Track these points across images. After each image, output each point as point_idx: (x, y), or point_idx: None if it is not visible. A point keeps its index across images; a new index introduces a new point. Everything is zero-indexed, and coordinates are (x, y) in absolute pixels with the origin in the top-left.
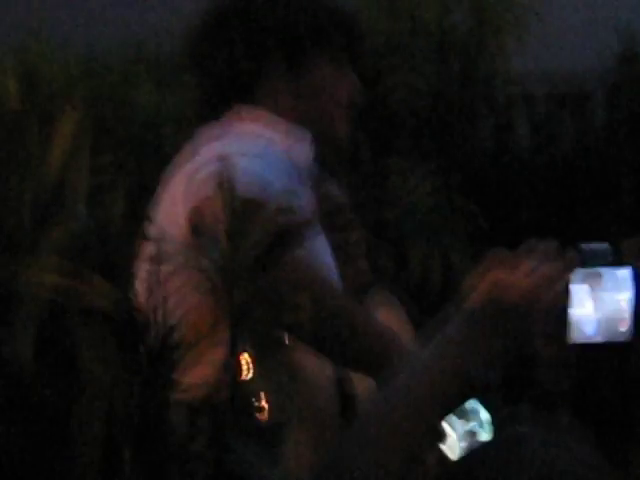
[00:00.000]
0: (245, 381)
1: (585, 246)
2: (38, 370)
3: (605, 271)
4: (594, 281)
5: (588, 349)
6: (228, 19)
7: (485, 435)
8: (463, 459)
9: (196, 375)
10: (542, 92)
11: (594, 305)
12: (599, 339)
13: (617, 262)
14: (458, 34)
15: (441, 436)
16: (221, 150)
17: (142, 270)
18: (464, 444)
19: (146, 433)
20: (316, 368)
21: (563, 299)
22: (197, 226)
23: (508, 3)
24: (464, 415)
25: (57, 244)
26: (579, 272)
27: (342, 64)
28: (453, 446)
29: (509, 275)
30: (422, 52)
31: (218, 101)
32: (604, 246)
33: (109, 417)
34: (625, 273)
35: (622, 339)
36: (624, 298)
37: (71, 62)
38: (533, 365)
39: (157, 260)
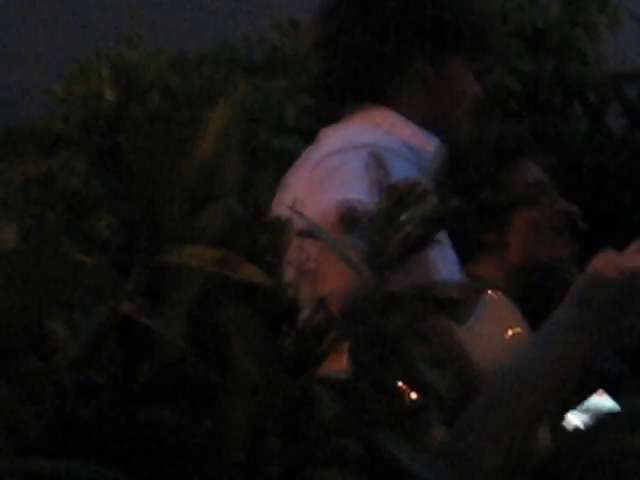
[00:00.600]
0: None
1: None
2: (190, 353)
3: None
4: None
5: None
6: (376, 13)
7: None
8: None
9: (335, 361)
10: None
11: None
12: None
13: None
14: (551, 34)
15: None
16: (355, 138)
17: (290, 257)
18: None
19: (294, 417)
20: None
21: None
22: (346, 219)
23: (602, 3)
24: (588, 412)
25: (208, 232)
26: None
27: (472, 63)
28: None
29: (617, 256)
30: (517, 53)
31: (350, 97)
32: None
33: (258, 404)
34: None
35: None
36: None
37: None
38: None
39: (310, 241)
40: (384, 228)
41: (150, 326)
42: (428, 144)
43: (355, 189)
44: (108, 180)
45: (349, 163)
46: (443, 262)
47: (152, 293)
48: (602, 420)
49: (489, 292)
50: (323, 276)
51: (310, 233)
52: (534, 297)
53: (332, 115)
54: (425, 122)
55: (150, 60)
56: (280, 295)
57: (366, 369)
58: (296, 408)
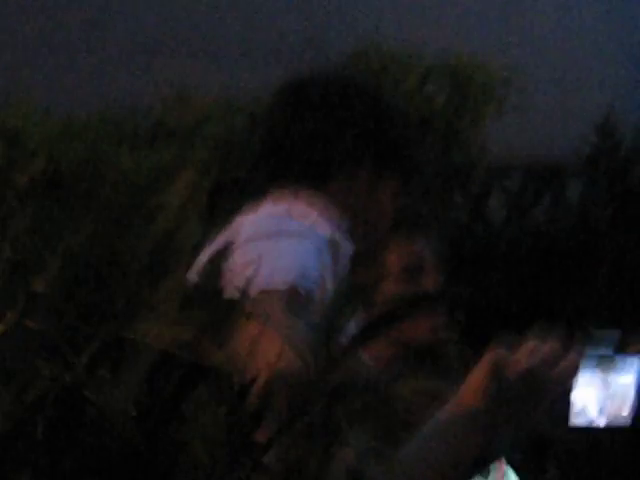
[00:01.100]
0: None
1: (595, 332)
2: (141, 424)
3: (617, 357)
4: (604, 366)
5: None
6: (340, 112)
7: None
8: None
9: None
10: (520, 167)
11: (600, 389)
12: (601, 423)
13: (622, 349)
14: (437, 106)
15: None
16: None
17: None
18: None
19: None
20: None
21: (566, 380)
22: (292, 305)
23: (488, 93)
24: None
25: (163, 307)
26: (589, 356)
27: (402, 186)
28: None
29: (510, 354)
30: None
31: (289, 175)
32: (614, 332)
33: None
34: (634, 360)
35: (623, 423)
36: (630, 383)
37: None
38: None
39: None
40: (334, 317)
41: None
42: (338, 235)
43: (296, 271)
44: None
45: (287, 247)
46: None
47: (102, 366)
48: None
49: None
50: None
51: (260, 316)
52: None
53: (238, 190)
54: (345, 219)
55: (36, 126)
56: (234, 380)
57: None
58: None
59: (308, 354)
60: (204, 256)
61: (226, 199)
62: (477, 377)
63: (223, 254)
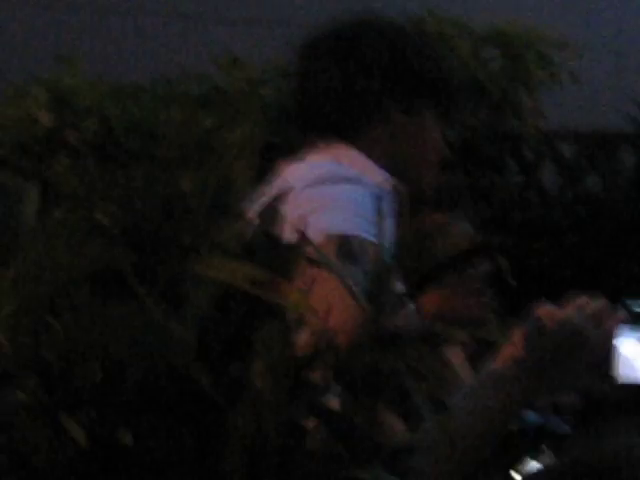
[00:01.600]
0: None
1: (632, 303)
2: (204, 360)
3: None
4: None
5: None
6: (357, 56)
7: None
8: None
9: None
10: (573, 135)
11: None
12: None
13: None
14: (490, 88)
15: None
16: (334, 171)
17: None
18: None
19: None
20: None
21: (610, 337)
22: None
23: (543, 61)
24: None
25: (227, 245)
26: (626, 328)
27: (441, 118)
28: None
29: (557, 310)
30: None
31: (317, 132)
32: None
33: (260, 429)
34: None
35: None
36: None
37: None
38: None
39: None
40: (386, 267)
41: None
42: (386, 182)
43: (355, 220)
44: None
45: (344, 194)
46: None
47: (170, 299)
48: None
49: None
50: (327, 304)
51: (320, 261)
52: None
53: (288, 149)
54: (387, 166)
55: (87, 87)
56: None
57: (360, 403)
58: (288, 435)
59: (363, 299)
60: (258, 205)
61: (274, 157)
62: (524, 329)
63: (279, 201)
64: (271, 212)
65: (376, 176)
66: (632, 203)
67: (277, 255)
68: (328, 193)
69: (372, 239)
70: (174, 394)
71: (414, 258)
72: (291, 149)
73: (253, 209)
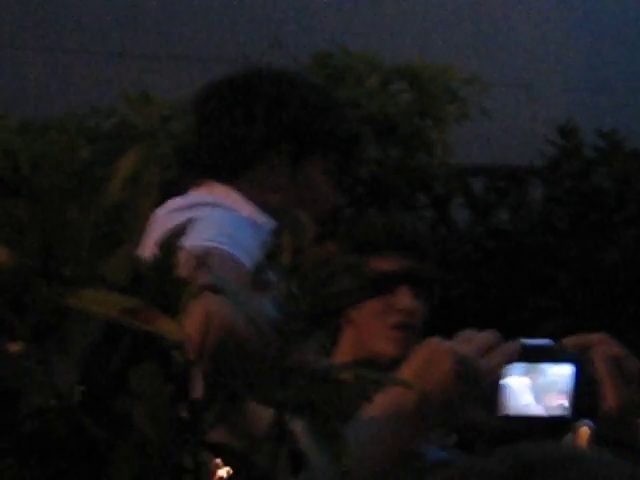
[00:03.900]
0: None
1: (527, 341)
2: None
3: (547, 366)
4: (535, 375)
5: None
6: (245, 106)
7: None
8: None
9: None
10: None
11: (536, 379)
12: (538, 412)
13: (559, 358)
14: (400, 123)
15: None
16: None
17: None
18: None
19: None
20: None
21: (497, 368)
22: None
23: (451, 95)
24: None
25: (112, 278)
26: (519, 366)
27: (332, 168)
28: None
29: (445, 342)
30: (365, 139)
31: (204, 172)
32: (547, 341)
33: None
34: (567, 369)
35: (562, 414)
36: (568, 374)
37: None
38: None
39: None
40: (295, 297)
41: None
42: (265, 224)
43: (218, 236)
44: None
45: (211, 214)
46: None
47: (46, 336)
48: None
49: None
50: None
51: (218, 288)
52: None
53: (178, 190)
54: (267, 211)
55: None
56: (184, 353)
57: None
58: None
59: (263, 329)
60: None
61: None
62: (415, 363)
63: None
64: (166, 244)
65: (248, 210)
66: (540, 236)
67: (166, 286)
68: (195, 214)
69: (233, 253)
70: (58, 435)
71: (316, 291)
72: (181, 188)
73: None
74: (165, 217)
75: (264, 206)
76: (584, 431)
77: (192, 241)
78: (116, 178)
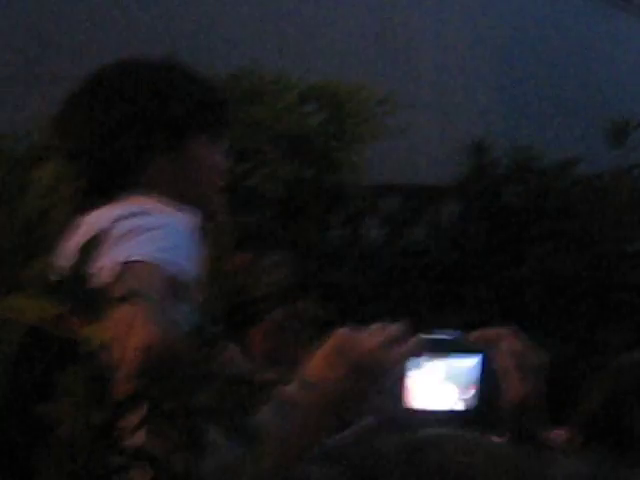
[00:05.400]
0: None
1: (433, 334)
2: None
3: (452, 359)
4: (440, 368)
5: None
6: (107, 109)
7: None
8: None
9: None
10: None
11: (441, 372)
12: (443, 406)
13: (465, 350)
14: (313, 126)
15: None
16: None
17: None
18: None
19: None
20: None
21: (400, 361)
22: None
23: (365, 115)
24: None
25: (34, 284)
26: (425, 359)
27: (216, 139)
28: None
29: (354, 333)
30: (276, 159)
31: (105, 189)
32: (452, 334)
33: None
34: (472, 361)
35: (467, 406)
36: (473, 367)
37: None
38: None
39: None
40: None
41: None
42: (190, 218)
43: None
44: None
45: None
46: None
47: None
48: None
49: None
50: (135, 336)
51: (134, 296)
52: None
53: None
54: (181, 201)
55: None
56: (104, 359)
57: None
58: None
59: (180, 337)
60: (66, 249)
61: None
62: (324, 353)
63: (92, 243)
64: (82, 253)
65: (176, 212)
66: (455, 253)
67: (85, 293)
68: (139, 223)
69: (177, 261)
70: None
71: (228, 296)
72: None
73: (65, 251)
74: (108, 226)
75: (174, 197)
76: None
77: (138, 251)
78: (34, 189)
